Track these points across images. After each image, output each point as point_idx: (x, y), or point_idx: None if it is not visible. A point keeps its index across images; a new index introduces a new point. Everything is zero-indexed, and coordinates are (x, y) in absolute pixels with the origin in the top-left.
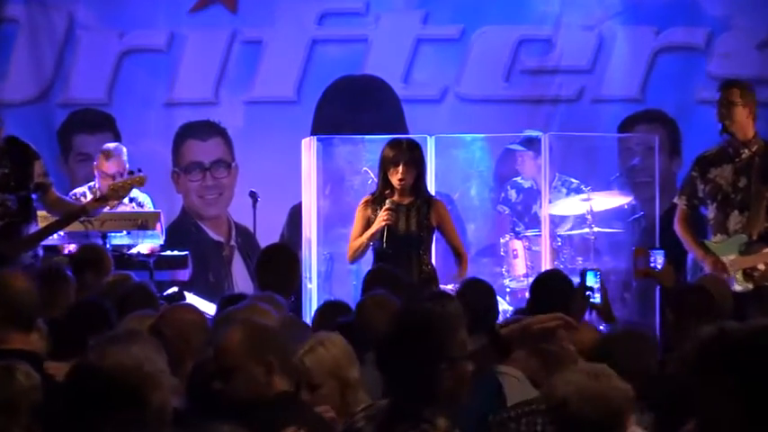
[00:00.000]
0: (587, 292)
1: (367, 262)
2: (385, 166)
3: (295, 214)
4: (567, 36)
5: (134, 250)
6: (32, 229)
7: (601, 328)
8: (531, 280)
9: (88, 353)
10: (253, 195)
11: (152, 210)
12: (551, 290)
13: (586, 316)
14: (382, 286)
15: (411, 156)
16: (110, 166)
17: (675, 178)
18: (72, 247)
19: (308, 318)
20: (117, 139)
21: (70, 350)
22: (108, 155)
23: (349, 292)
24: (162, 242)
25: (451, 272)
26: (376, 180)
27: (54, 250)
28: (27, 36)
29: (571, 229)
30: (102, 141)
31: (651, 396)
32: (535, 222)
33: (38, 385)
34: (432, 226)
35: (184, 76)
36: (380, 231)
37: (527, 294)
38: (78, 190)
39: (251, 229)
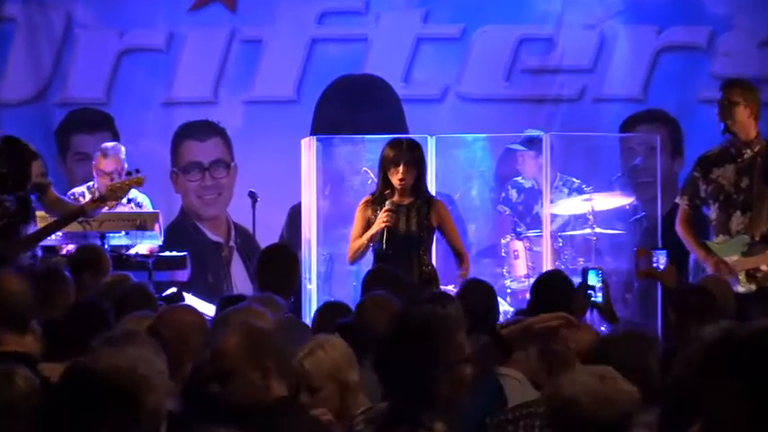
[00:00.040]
0: (589, 291)
1: (367, 262)
2: (385, 166)
3: (294, 215)
4: (569, 35)
5: (132, 251)
6: (31, 229)
7: (602, 328)
8: (532, 281)
9: (84, 354)
10: (252, 196)
11: (151, 210)
12: (552, 290)
13: (588, 315)
14: (382, 286)
15: (411, 156)
16: (107, 165)
17: (677, 178)
18: (70, 248)
19: (307, 319)
20: (115, 138)
21: (68, 351)
22: (106, 153)
23: (349, 292)
24: (160, 243)
25: (452, 272)
26: (376, 180)
27: (52, 251)
28: (25, 35)
29: (572, 230)
30: (101, 141)
31: (654, 397)
32: (536, 223)
33: (37, 389)
34: (432, 226)
35: (183, 76)
36: (380, 233)
37: (528, 295)
38: (77, 189)
39: (250, 229)
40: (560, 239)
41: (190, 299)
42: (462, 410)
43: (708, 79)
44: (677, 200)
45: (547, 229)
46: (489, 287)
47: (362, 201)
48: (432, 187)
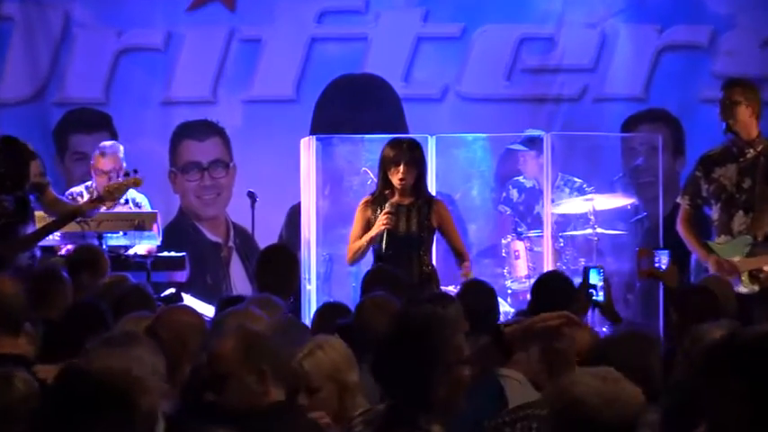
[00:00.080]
0: (590, 290)
1: (367, 263)
2: (385, 166)
3: (294, 215)
4: (570, 34)
5: (131, 251)
6: (30, 229)
7: (604, 329)
8: (532, 281)
9: (80, 356)
10: (251, 196)
11: (149, 210)
12: (552, 291)
13: (589, 315)
14: (382, 287)
15: (412, 155)
16: (105, 164)
17: (679, 178)
18: (69, 248)
19: (306, 319)
20: (114, 138)
21: (66, 352)
22: (104, 152)
23: (348, 293)
24: (159, 243)
25: (452, 273)
26: (376, 180)
27: (51, 251)
28: (22, 34)
29: (573, 230)
30: (99, 141)
31: (656, 397)
32: (537, 223)
33: (36, 392)
34: (432, 227)
35: (182, 75)
36: (380, 235)
37: (528, 296)
38: (75, 189)
39: (249, 229)
40: (561, 240)
41: (188, 299)
42: (462, 412)
43: (709, 78)
44: (678, 199)
45: (548, 230)
46: (490, 288)
47: (362, 201)
48: (432, 187)
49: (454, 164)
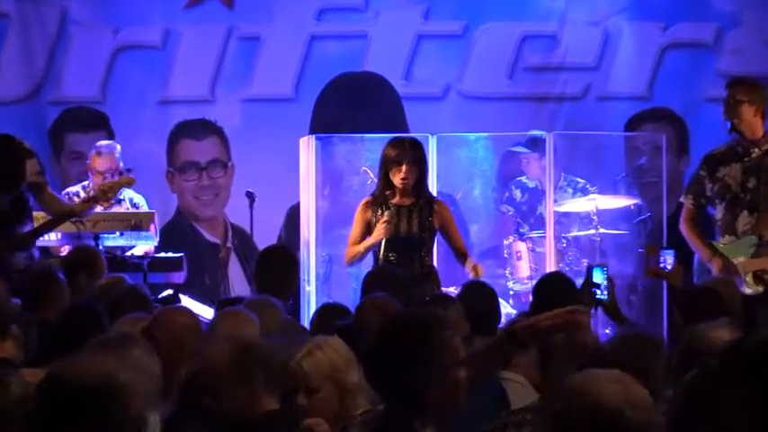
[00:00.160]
0: (593, 289)
1: (367, 264)
2: (386, 166)
3: (293, 215)
4: (572, 32)
5: (128, 253)
6: (27, 229)
7: (607, 331)
8: (534, 282)
9: (60, 362)
10: (250, 196)
11: (146, 210)
12: (554, 292)
13: (592, 314)
14: (382, 288)
15: (414, 155)
16: (101, 163)
17: (683, 178)
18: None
19: (305, 321)
20: (110, 137)
21: (62, 353)
22: (100, 152)
23: (348, 294)
24: (156, 243)
25: (452, 274)
26: (376, 180)
27: (50, 252)
28: (18, 32)
29: (576, 231)
30: (96, 140)
31: (656, 399)
32: (540, 223)
33: (32, 395)
34: (434, 227)
35: (180, 74)
36: (378, 242)
37: (530, 297)
38: (71, 189)
39: (248, 230)
40: (564, 240)
41: (186, 301)
42: (460, 415)
43: (714, 77)
44: (682, 199)
45: (550, 230)
46: (490, 289)
47: (362, 202)
48: (433, 187)
49: (455, 163)
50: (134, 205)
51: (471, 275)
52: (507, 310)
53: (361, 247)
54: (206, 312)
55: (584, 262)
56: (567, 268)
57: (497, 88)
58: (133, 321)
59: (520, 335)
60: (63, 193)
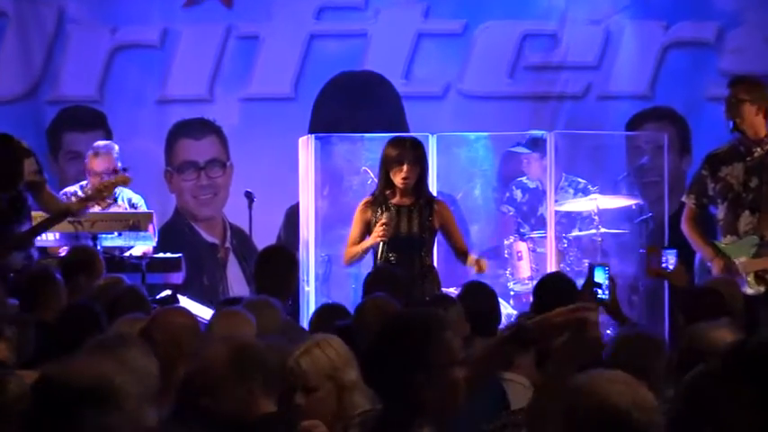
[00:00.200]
0: (595, 289)
1: (367, 264)
2: (387, 166)
3: (292, 215)
4: (573, 31)
5: (127, 253)
6: (25, 228)
7: (608, 332)
8: (535, 283)
9: (54, 363)
10: (248, 196)
11: (144, 210)
12: (555, 292)
13: None
14: (384, 288)
15: (415, 154)
16: (99, 164)
17: (685, 177)
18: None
19: (305, 322)
20: (108, 137)
21: (60, 354)
22: (97, 152)
23: (347, 294)
24: (154, 244)
25: (452, 274)
26: (376, 180)
27: (48, 252)
28: (15, 31)
29: (577, 231)
30: (93, 139)
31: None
32: (541, 224)
33: (29, 394)
34: (434, 228)
35: (178, 73)
36: (376, 244)
37: (531, 298)
38: (69, 189)
39: (247, 230)
40: (565, 240)
41: (185, 301)
42: (459, 415)
43: (716, 76)
44: (683, 198)
45: (551, 230)
46: (491, 290)
47: (362, 202)
48: (433, 187)
49: (456, 163)
50: (132, 205)
51: (475, 270)
52: (508, 310)
53: (359, 248)
54: (205, 313)
55: (586, 262)
56: (567, 268)
57: (498, 87)
58: (131, 322)
59: (531, 332)
60: (61, 193)
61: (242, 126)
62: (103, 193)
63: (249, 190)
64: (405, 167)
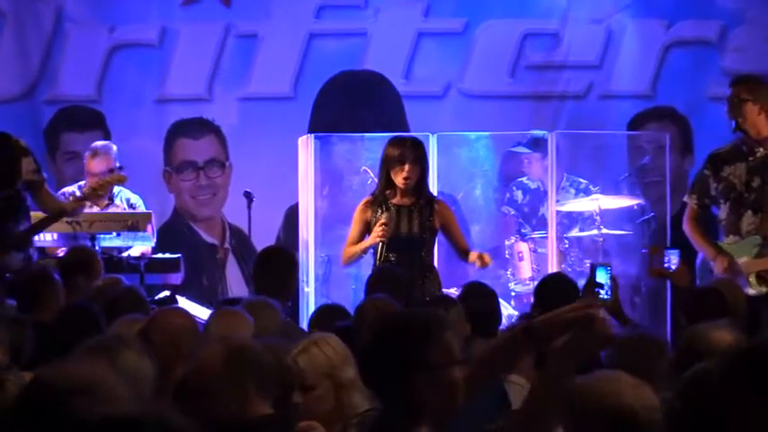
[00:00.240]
0: (597, 289)
1: (367, 265)
2: (388, 165)
3: (292, 215)
4: (575, 30)
5: (125, 253)
6: (22, 228)
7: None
8: (536, 283)
9: (47, 366)
10: (248, 196)
11: (143, 210)
12: (556, 293)
13: None
14: (385, 289)
15: (416, 154)
16: (97, 165)
17: (687, 177)
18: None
19: (304, 322)
20: (107, 136)
21: (58, 355)
22: (95, 153)
23: (347, 295)
24: (153, 244)
25: (453, 274)
26: (376, 180)
27: (47, 253)
28: (13, 29)
29: (579, 231)
30: (92, 139)
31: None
32: (542, 224)
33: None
34: (434, 227)
35: (177, 72)
36: (375, 245)
37: (532, 298)
38: (67, 189)
39: (246, 230)
40: (566, 241)
41: (183, 302)
42: (460, 415)
43: (718, 75)
44: (685, 198)
45: (552, 230)
46: (491, 290)
47: (362, 202)
48: (433, 187)
49: (456, 163)
50: (131, 205)
51: (477, 265)
52: (509, 311)
53: (358, 248)
54: (203, 314)
55: (587, 263)
56: (569, 269)
57: (499, 87)
58: (130, 323)
59: (538, 330)
60: (59, 193)
61: (241, 126)
62: (99, 192)
63: (248, 190)
64: (406, 167)
